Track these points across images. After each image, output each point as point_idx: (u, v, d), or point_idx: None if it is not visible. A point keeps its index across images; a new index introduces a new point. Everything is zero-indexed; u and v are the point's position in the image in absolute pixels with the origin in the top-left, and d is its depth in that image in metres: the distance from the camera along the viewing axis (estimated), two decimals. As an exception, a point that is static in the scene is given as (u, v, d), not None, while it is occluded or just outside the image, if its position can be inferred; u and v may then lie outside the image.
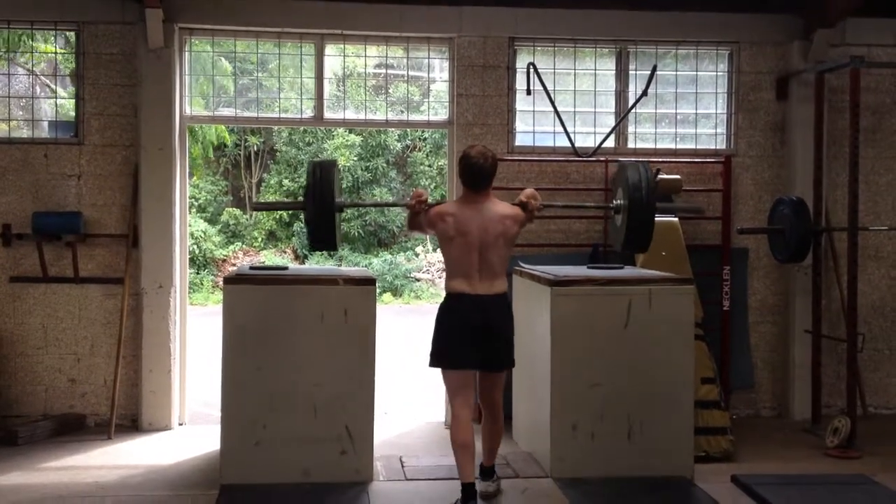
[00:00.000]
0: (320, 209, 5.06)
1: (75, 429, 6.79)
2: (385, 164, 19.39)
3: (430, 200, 5.15)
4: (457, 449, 4.93)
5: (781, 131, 7.52)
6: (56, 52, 8.02)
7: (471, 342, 4.91)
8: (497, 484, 5.28)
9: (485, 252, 4.93)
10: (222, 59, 7.93)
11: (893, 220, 7.54)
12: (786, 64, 7.45)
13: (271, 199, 19.37)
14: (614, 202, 5.16)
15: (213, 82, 7.53)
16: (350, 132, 18.77)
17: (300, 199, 5.11)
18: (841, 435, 6.41)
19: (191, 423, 7.12)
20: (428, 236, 5.40)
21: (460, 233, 4.94)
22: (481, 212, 4.97)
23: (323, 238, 5.22)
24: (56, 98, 7.81)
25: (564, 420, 5.60)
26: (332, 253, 18.47)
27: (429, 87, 7.73)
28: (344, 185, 18.95)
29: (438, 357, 5.03)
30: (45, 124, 7.25)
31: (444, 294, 5.11)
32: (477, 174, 4.97)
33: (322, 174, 5.11)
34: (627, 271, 6.18)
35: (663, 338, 5.67)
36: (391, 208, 18.78)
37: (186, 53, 7.10)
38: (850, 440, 6.38)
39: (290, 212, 19.29)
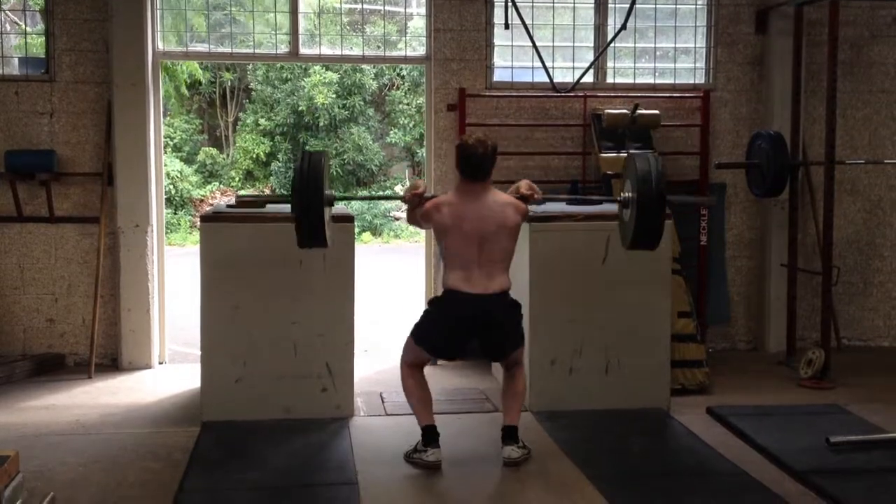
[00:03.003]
0: (308, 204, 4.51)
1: (55, 368, 6.79)
2: (362, 102, 19.21)
3: (426, 194, 4.91)
4: (412, 398, 4.85)
5: (760, 65, 7.49)
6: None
7: (463, 341, 4.78)
8: (525, 451, 4.80)
9: (484, 243, 4.68)
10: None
11: (870, 154, 7.58)
12: (765, -3, 7.41)
13: (248, 138, 19.19)
14: (622, 195, 4.76)
15: (185, 17, 7.40)
16: (327, 69, 18.54)
17: (284, 192, 4.61)
18: (815, 367, 6.51)
19: (171, 363, 7.14)
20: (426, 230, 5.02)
21: (457, 222, 4.68)
22: (479, 201, 4.71)
23: (312, 233, 4.63)
24: (25, 34, 7.65)
25: (543, 355, 5.66)
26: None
27: (405, 22, 7.63)
28: (321, 124, 18.81)
29: (421, 338, 4.86)
30: (16, 61, 7.11)
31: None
32: (476, 163, 4.69)
33: (310, 167, 4.55)
34: (605, 207, 6.18)
35: (641, 273, 5.69)
36: (375, 145, 18.62)
37: (158, -13, 6.96)
38: (824, 372, 6.49)
39: (268, 150, 19.15)
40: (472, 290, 4.67)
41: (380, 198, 5.06)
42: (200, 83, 18.58)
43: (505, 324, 4.78)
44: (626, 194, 4.70)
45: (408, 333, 4.94)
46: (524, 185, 4.90)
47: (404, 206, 5.00)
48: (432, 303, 5.00)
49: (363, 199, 4.82)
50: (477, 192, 4.73)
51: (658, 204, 4.52)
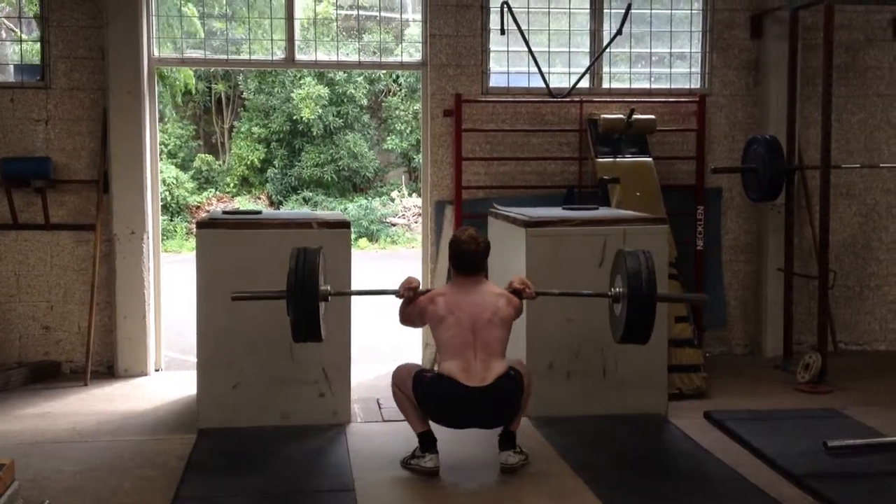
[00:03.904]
0: (303, 304, 4.51)
1: (50, 376, 6.77)
2: (357, 110, 19.20)
3: (420, 288, 4.90)
4: (403, 406, 4.83)
5: (755, 70, 7.50)
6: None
7: (456, 423, 4.73)
8: (523, 457, 4.80)
9: (479, 331, 4.66)
10: (190, 3, 7.78)
11: (865, 158, 7.59)
12: (760, 1, 7.41)
13: (243, 144, 19.19)
14: (612, 290, 4.79)
15: (180, 23, 7.39)
16: (317, 83, 18.48)
17: (281, 289, 4.53)
18: (812, 371, 6.50)
19: (167, 370, 7.12)
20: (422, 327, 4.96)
21: (452, 310, 4.70)
22: (473, 292, 4.76)
23: (307, 329, 4.61)
24: (21, 41, 7.64)
25: (540, 359, 5.64)
26: (305, 198, 18.42)
27: (401, 28, 7.63)
28: (315, 133, 18.78)
29: (415, 391, 4.73)
30: (11, 68, 7.10)
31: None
32: (468, 259, 4.78)
33: (305, 265, 4.55)
34: (602, 212, 6.19)
35: (638, 277, 5.68)
36: (370, 152, 18.58)
37: (153, -6, 6.96)
38: (821, 376, 6.48)
39: (263, 157, 19.14)
40: (469, 382, 4.60)
41: (373, 293, 5.02)
42: (192, 93, 18.58)
43: (503, 412, 4.72)
44: (617, 289, 4.72)
45: (402, 361, 4.93)
46: (517, 280, 4.94)
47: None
48: (429, 384, 4.72)
49: (357, 293, 4.79)
50: (470, 285, 4.80)
51: (649, 303, 4.54)
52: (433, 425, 4.80)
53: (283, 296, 4.55)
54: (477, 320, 4.69)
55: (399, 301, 4.96)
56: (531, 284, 4.93)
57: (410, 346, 7.48)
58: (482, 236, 4.90)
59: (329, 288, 4.73)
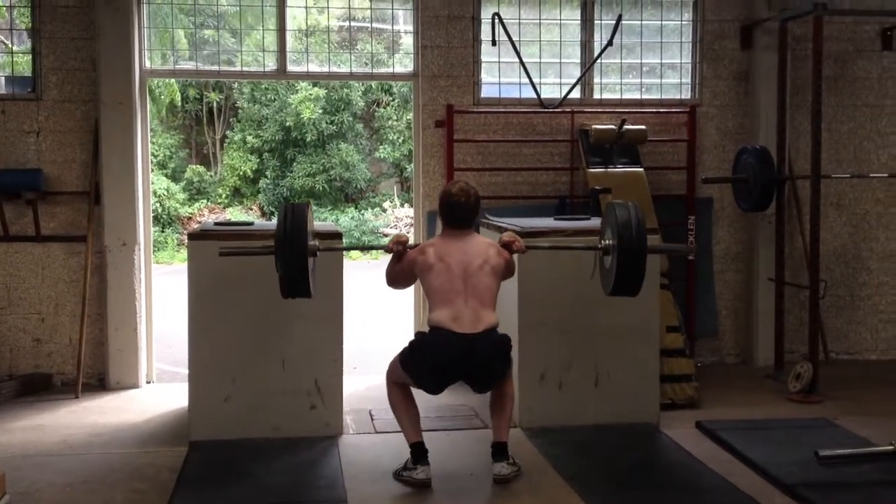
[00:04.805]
0: (292, 257, 4.50)
1: (41, 388, 6.74)
2: (351, 118, 19.23)
3: (410, 242, 4.91)
4: (399, 413, 4.80)
5: (745, 80, 7.53)
6: (10, 6, 7.81)
7: (448, 378, 4.71)
8: (515, 468, 4.78)
9: (469, 279, 4.63)
10: (181, 14, 7.79)
11: (855, 168, 7.63)
12: (750, 12, 7.45)
13: (235, 155, 19.18)
14: (602, 242, 4.80)
15: (172, 35, 7.40)
16: (314, 86, 18.56)
17: (270, 244, 4.52)
18: (803, 380, 6.52)
19: (158, 382, 7.10)
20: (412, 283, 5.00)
21: (441, 259, 4.67)
22: (463, 242, 4.74)
23: (295, 285, 4.60)
24: (12, 53, 7.63)
25: (532, 370, 5.65)
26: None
27: (393, 39, 7.65)
28: (308, 140, 18.81)
29: (405, 366, 4.76)
30: (2, 80, 7.10)
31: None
32: (458, 212, 4.75)
33: (294, 219, 4.55)
34: (594, 222, 6.19)
35: (629, 287, 5.70)
36: (361, 163, 18.58)
37: (145, 6, 6.95)
38: (812, 385, 6.49)
39: (255, 167, 19.14)
40: (459, 329, 4.57)
41: (363, 247, 5.03)
42: (177, 106, 18.61)
43: (492, 363, 4.71)
44: (607, 242, 4.73)
45: (395, 354, 4.91)
46: (506, 235, 4.94)
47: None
48: (419, 339, 4.84)
49: (346, 248, 4.79)
50: (460, 237, 4.77)
51: (639, 252, 4.56)
52: (427, 436, 4.79)
53: (271, 251, 4.54)
54: (467, 268, 4.66)
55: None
56: (520, 239, 4.91)
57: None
58: (473, 188, 4.84)
59: (317, 243, 4.70)
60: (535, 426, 5.59)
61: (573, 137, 7.25)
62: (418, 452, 4.73)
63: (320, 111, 18.58)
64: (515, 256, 4.97)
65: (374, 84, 18.61)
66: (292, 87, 18.67)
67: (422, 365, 4.70)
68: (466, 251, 4.71)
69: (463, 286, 4.63)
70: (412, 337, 4.97)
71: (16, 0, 7.57)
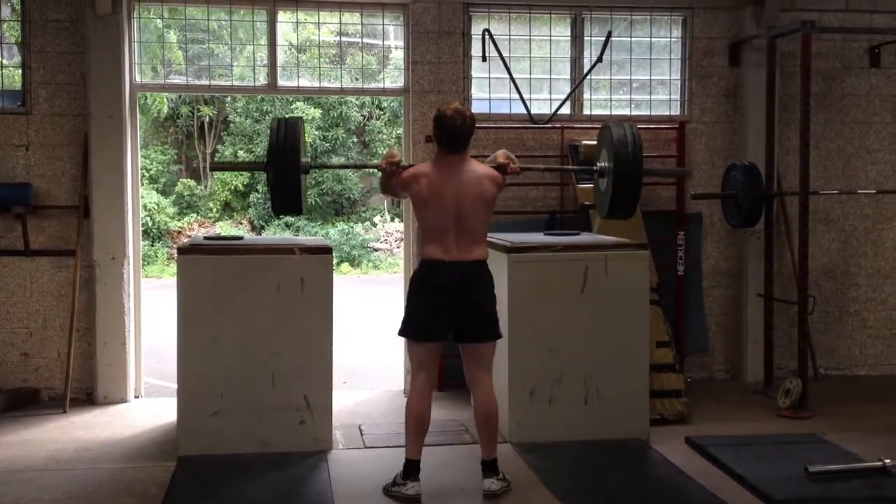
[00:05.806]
0: (285, 169, 4.55)
1: (29, 403, 6.70)
2: (344, 134, 19.25)
3: (403, 163, 4.97)
4: (410, 419, 4.75)
5: (734, 97, 7.58)
6: (0, 20, 7.81)
7: (445, 312, 4.69)
8: (505, 483, 4.79)
9: (462, 216, 4.68)
10: (172, 28, 7.80)
11: (843, 184, 7.66)
12: (738, 29, 7.50)
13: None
14: (599, 165, 4.75)
15: (163, 49, 7.40)
16: (310, 104, 18.51)
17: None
18: (792, 396, 6.53)
19: (147, 397, 7.07)
20: (402, 200, 5.01)
21: (435, 195, 4.68)
22: (457, 173, 4.70)
23: (288, 200, 4.68)
24: (2, 67, 7.62)
25: (522, 386, 5.65)
26: (288, 223, 18.38)
27: (384, 54, 7.67)
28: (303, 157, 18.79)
29: (407, 326, 4.82)
30: (-9, 94, 7.07)
31: (407, 264, 5.04)
32: (453, 134, 4.67)
33: (286, 132, 4.64)
34: (584, 237, 6.22)
35: (619, 303, 5.72)
36: (353, 175, 18.54)
37: (135, 20, 6.96)
38: (802, 401, 6.51)
39: (246, 181, 19.10)
40: (449, 258, 4.68)
41: (356, 166, 5.06)
42: (165, 120, 18.61)
43: (482, 292, 4.75)
44: (603, 164, 4.71)
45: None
46: (501, 155, 4.93)
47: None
48: (411, 279, 4.94)
49: (339, 167, 4.76)
50: (455, 164, 4.74)
51: (634, 171, 4.54)
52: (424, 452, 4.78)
53: (263, 167, 4.54)
54: (460, 205, 4.69)
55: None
56: (515, 158, 4.92)
57: (399, 367, 7.45)
58: (468, 109, 4.82)
59: (309, 160, 4.70)
60: (525, 442, 5.58)
61: (563, 153, 7.27)
62: (410, 468, 4.72)
63: (315, 132, 18.53)
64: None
65: (367, 98, 18.61)
66: (286, 106, 18.51)
67: (418, 301, 4.76)
68: (461, 187, 4.70)
69: (455, 224, 4.69)
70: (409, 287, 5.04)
71: (6, 14, 7.56)
